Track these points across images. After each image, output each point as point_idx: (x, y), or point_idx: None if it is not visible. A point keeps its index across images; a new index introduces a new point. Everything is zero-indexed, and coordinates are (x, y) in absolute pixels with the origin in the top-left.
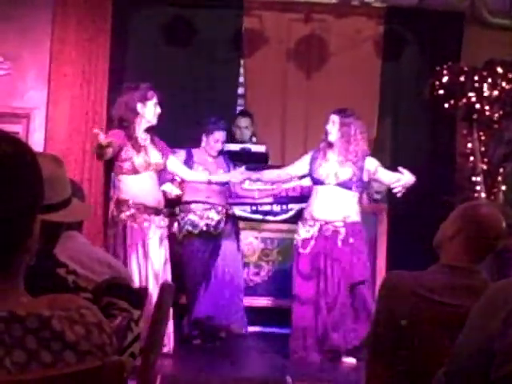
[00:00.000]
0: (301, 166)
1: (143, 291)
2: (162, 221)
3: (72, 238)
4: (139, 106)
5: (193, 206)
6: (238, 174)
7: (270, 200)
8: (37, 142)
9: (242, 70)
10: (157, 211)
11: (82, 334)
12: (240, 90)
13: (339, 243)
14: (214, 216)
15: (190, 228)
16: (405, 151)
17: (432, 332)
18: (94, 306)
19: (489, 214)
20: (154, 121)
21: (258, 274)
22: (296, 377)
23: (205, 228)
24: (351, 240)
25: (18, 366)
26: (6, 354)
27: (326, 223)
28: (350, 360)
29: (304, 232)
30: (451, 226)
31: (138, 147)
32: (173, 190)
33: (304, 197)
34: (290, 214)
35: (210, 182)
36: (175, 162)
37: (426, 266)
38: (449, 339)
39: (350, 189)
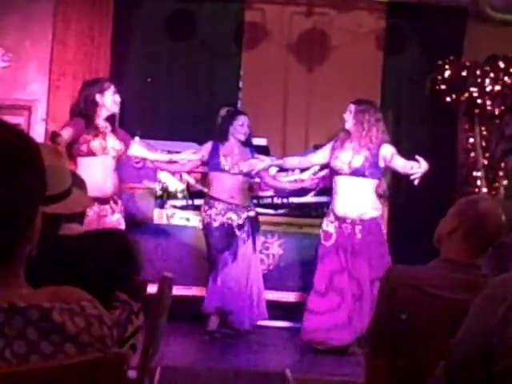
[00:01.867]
0: (322, 154)
1: (143, 284)
2: (112, 209)
3: (71, 230)
4: (98, 97)
5: (216, 203)
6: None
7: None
8: (38, 134)
9: (242, 64)
10: (106, 199)
11: (83, 326)
12: (241, 84)
13: (357, 243)
14: (234, 217)
15: (209, 220)
16: (406, 146)
17: (432, 326)
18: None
19: (488, 209)
20: (114, 109)
21: None
22: (297, 370)
23: (225, 224)
24: (368, 238)
25: (19, 358)
26: (6, 346)
27: (345, 221)
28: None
29: (325, 225)
30: (451, 220)
31: (95, 133)
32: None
33: (305, 190)
34: (291, 207)
35: (171, 161)
36: (137, 147)
37: (427, 262)
38: (448, 333)
39: (364, 176)
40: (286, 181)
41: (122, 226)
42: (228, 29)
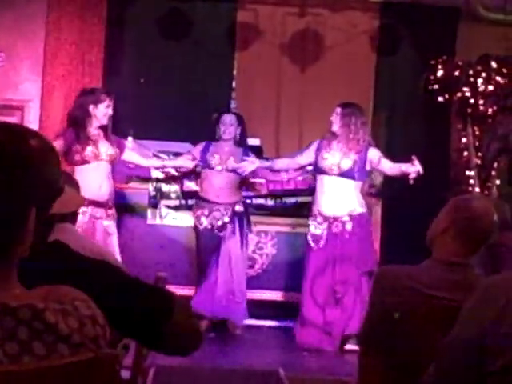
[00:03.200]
0: (308, 154)
1: None
2: (106, 213)
3: (65, 230)
4: (91, 108)
5: (204, 203)
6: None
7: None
8: None
9: (235, 64)
10: (102, 203)
11: (76, 327)
12: (234, 84)
13: (347, 236)
14: (218, 216)
15: (196, 223)
16: (399, 145)
17: (424, 326)
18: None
19: (480, 208)
20: (104, 121)
21: (252, 267)
22: (290, 369)
23: (209, 226)
24: (357, 230)
25: (11, 358)
26: None
27: (335, 220)
28: (353, 346)
29: (314, 228)
30: (443, 219)
31: (87, 142)
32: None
33: (299, 190)
34: (284, 207)
35: (164, 167)
36: (130, 153)
37: (420, 261)
38: (440, 333)
39: (352, 178)
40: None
41: (115, 231)
42: (221, 29)
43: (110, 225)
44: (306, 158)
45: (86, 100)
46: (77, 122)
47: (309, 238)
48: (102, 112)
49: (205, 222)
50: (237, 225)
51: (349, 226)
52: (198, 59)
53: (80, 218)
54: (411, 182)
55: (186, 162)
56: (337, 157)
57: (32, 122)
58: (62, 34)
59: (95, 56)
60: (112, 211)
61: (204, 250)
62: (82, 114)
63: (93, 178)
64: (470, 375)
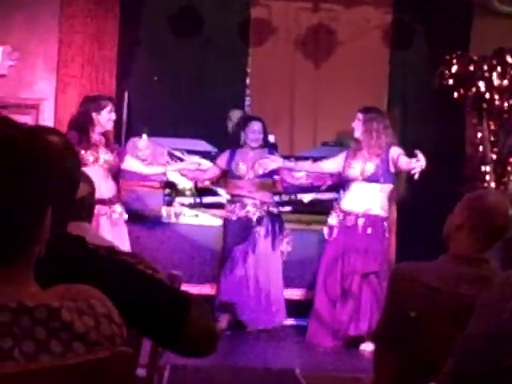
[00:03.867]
0: (334, 163)
1: None
2: (111, 210)
3: (80, 228)
4: (94, 115)
5: (236, 198)
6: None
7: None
8: None
9: (249, 61)
10: (104, 201)
11: (92, 325)
12: (248, 81)
13: (359, 231)
14: (252, 210)
15: (229, 214)
16: (413, 141)
17: (440, 322)
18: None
19: (495, 203)
20: (108, 126)
21: None
22: (306, 368)
23: (244, 218)
24: (369, 231)
25: (28, 357)
26: (15, 345)
27: (350, 214)
28: (368, 347)
29: (330, 219)
30: (458, 215)
31: (88, 146)
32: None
33: (314, 187)
34: (299, 204)
35: (165, 174)
36: (130, 161)
37: (436, 257)
38: (457, 329)
39: (377, 182)
40: (300, 176)
41: (121, 223)
42: (234, 25)
43: (116, 218)
44: (334, 164)
45: (89, 107)
46: (80, 129)
47: (325, 230)
48: (105, 118)
49: (238, 214)
50: (270, 226)
51: (360, 222)
52: (211, 56)
53: None
54: (416, 177)
55: (190, 165)
56: (361, 164)
57: (47, 120)
58: (75, 32)
59: (109, 54)
60: (117, 206)
61: (233, 241)
62: (85, 121)
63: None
64: (487, 370)
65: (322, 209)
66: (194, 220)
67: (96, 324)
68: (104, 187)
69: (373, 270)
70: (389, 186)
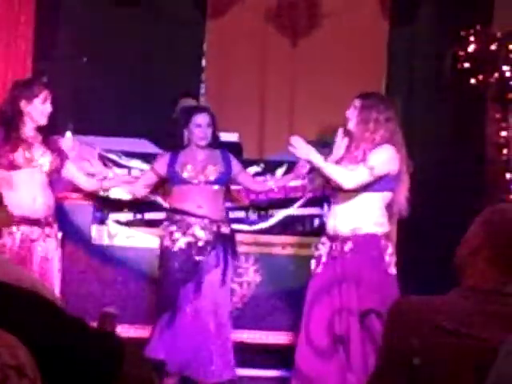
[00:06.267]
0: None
1: None
2: (44, 233)
3: None
4: (22, 104)
5: (178, 216)
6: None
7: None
8: None
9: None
10: (38, 221)
11: None
12: (204, 62)
13: (347, 257)
14: (200, 234)
15: (168, 243)
16: (419, 139)
17: (454, 373)
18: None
19: None
20: (41, 121)
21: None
22: None
23: (185, 247)
24: (358, 254)
25: None
26: None
27: (335, 239)
28: None
29: (317, 248)
30: (474, 237)
31: (17, 143)
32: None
33: (289, 200)
34: (271, 222)
35: (105, 190)
36: (72, 168)
37: (446, 291)
38: (476, 381)
39: (366, 190)
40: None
41: (56, 255)
42: None
43: (49, 248)
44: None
45: (19, 93)
46: (7, 121)
47: (312, 261)
48: (37, 109)
49: (181, 242)
50: (221, 252)
51: (347, 248)
52: (159, 30)
53: (8, 240)
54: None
55: (122, 178)
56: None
57: None
58: None
59: (23, 29)
60: (53, 230)
61: (174, 279)
62: (13, 111)
63: (24, 189)
64: None
65: (301, 227)
66: (133, 242)
67: (3, 378)
68: (40, 201)
69: (370, 307)
70: (385, 194)
